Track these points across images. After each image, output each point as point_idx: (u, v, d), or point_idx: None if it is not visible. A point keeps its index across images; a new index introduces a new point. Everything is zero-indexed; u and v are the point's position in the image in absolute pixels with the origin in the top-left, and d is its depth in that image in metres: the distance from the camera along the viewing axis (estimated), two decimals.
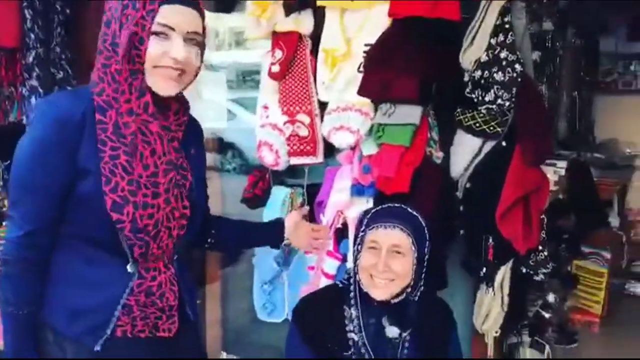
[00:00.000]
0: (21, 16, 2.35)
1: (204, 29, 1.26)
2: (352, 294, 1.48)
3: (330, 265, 2.02)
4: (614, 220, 3.67)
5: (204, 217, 1.45)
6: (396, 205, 1.49)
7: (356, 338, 1.45)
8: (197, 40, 1.24)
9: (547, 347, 2.37)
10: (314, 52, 2.03)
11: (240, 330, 2.73)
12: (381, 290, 1.43)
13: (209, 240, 1.57)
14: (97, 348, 1.23)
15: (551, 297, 2.77)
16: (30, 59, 2.42)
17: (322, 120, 2.02)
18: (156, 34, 1.18)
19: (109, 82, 1.20)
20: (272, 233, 1.70)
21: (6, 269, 1.21)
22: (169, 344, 1.33)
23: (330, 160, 2.11)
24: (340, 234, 2.03)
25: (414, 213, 1.47)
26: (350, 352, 1.44)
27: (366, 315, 1.46)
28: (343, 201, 1.97)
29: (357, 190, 1.94)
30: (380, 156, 1.83)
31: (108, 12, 1.22)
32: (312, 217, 2.13)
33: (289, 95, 2.07)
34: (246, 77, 6.40)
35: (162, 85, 1.21)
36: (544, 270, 1.77)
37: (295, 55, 2.05)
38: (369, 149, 1.89)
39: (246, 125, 4.59)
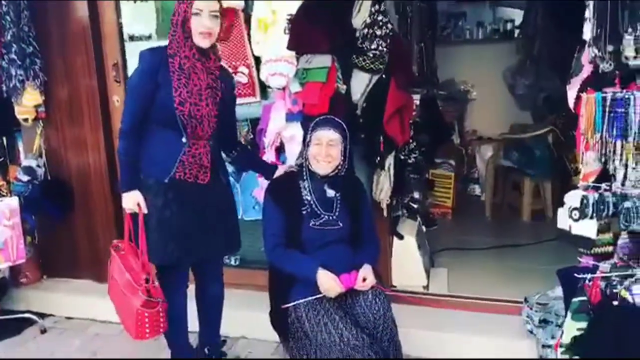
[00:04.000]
0: None
1: (220, 7, 2.17)
2: (304, 173, 2.36)
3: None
4: (456, 139, 4.90)
5: (230, 130, 2.43)
6: (328, 117, 2.37)
7: (309, 198, 2.33)
8: (216, 15, 2.13)
9: (419, 218, 3.46)
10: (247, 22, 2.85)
11: None
12: (323, 167, 2.31)
13: (232, 152, 2.48)
14: (165, 181, 2.21)
15: (416, 194, 3.87)
16: (8, 37, 2.96)
17: (257, 70, 2.86)
18: (194, 14, 2.07)
19: (175, 42, 2.16)
20: (270, 170, 2.52)
21: (122, 139, 2.22)
22: (206, 188, 2.28)
23: (263, 99, 2.98)
24: (279, 149, 2.91)
25: (339, 120, 2.35)
26: (306, 206, 2.33)
27: (313, 184, 2.34)
28: (280, 125, 2.84)
29: (289, 117, 2.81)
30: (306, 91, 2.70)
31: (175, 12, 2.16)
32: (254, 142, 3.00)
33: (231, 54, 2.87)
34: None
35: (201, 42, 2.14)
36: (414, 155, 2.79)
37: (233, 24, 2.85)
38: (296, 87, 2.74)
39: None
